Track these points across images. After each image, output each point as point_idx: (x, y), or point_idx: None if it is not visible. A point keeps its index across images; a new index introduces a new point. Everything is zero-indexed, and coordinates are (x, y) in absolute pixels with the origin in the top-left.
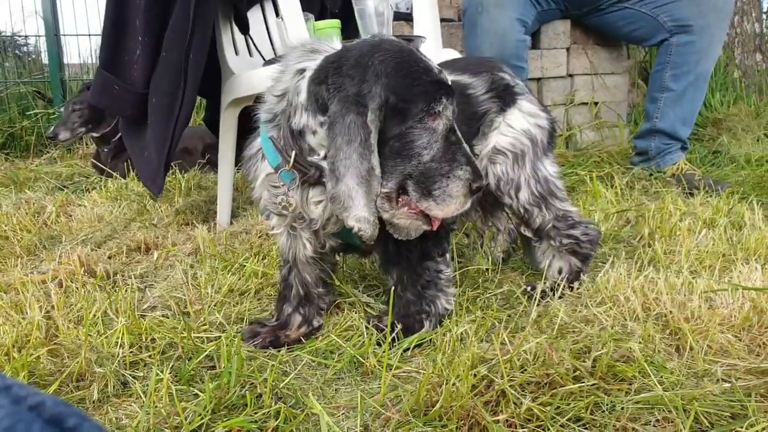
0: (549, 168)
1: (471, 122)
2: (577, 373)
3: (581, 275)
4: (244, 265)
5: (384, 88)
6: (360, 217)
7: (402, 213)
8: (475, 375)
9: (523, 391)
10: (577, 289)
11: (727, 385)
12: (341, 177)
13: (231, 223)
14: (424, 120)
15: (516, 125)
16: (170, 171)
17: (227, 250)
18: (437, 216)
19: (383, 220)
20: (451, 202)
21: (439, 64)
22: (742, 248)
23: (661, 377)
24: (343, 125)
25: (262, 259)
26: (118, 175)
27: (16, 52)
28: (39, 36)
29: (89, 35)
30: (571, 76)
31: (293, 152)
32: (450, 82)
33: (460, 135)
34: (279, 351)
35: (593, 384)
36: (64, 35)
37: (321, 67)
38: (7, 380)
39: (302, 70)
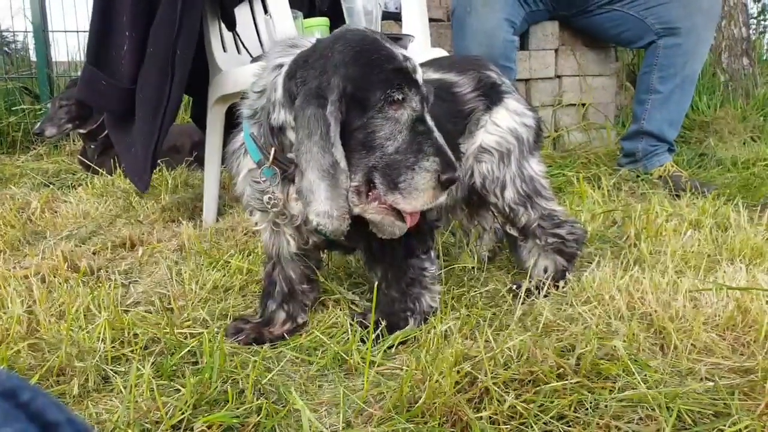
0: (535, 167)
1: (457, 120)
2: (561, 370)
3: (566, 274)
4: (229, 262)
5: (342, 79)
6: (320, 212)
7: (372, 207)
8: (458, 372)
9: (506, 388)
10: (563, 287)
11: (711, 383)
12: (304, 171)
13: (217, 220)
14: (384, 109)
15: (502, 124)
16: (158, 167)
17: (212, 246)
18: (405, 210)
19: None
20: (417, 195)
21: (425, 63)
22: (727, 249)
23: (645, 375)
24: (304, 118)
25: (248, 256)
26: (104, 172)
27: (4, 48)
28: (27, 32)
29: (77, 32)
30: (559, 77)
31: (273, 149)
32: (417, 71)
33: (431, 125)
34: (262, 347)
35: (577, 382)
36: (52, 32)
37: (293, 62)
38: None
39: (280, 66)
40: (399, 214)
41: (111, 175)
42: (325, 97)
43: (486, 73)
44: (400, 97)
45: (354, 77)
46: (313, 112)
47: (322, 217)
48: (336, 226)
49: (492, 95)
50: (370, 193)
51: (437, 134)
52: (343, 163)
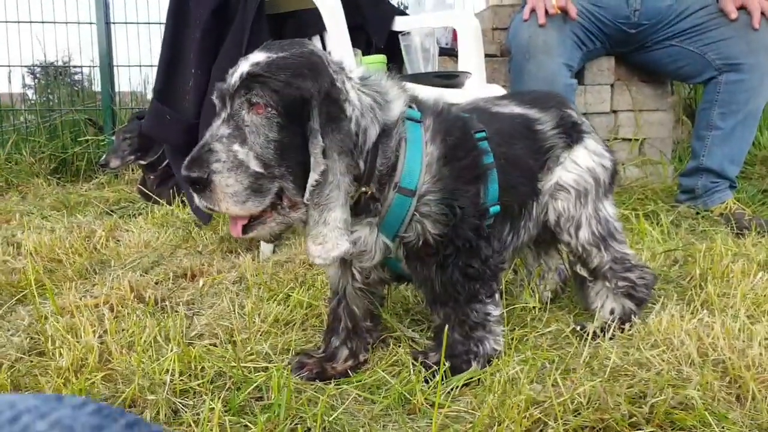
0: (609, 209)
1: (538, 156)
2: (634, 419)
3: (633, 317)
4: (289, 295)
5: None
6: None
7: None
8: (527, 418)
9: None
10: (628, 330)
11: None
12: None
13: (274, 251)
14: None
15: (581, 162)
16: None
17: (272, 278)
18: None
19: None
20: None
21: (507, 96)
22: None
23: (723, 427)
24: None
25: (307, 290)
26: (164, 202)
27: (68, 80)
28: (93, 66)
29: (140, 66)
30: (614, 112)
31: None
32: (236, 71)
33: (215, 121)
34: (327, 384)
35: (651, 431)
36: (117, 66)
37: None
38: (152, 427)
39: None
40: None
41: (170, 205)
42: None
43: (567, 111)
44: (217, 104)
45: None
46: None
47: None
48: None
49: (572, 134)
50: None
51: (211, 129)
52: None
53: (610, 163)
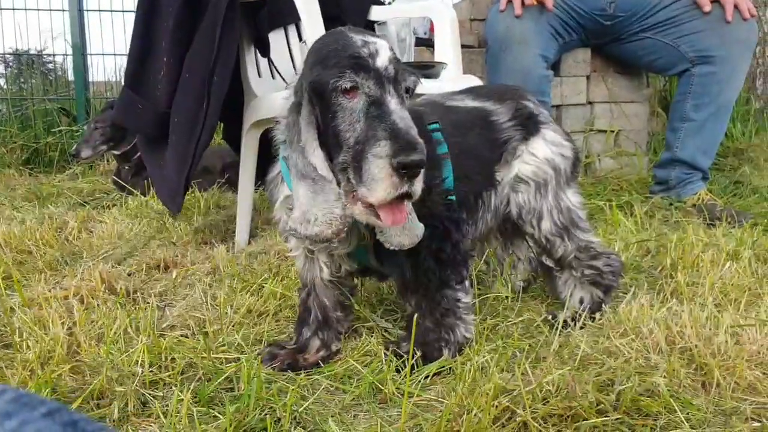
0: (572, 198)
1: (493, 149)
2: (601, 406)
3: (603, 306)
4: (263, 286)
5: (306, 81)
6: (295, 217)
7: (358, 208)
8: (496, 406)
9: (545, 423)
10: (599, 319)
11: (757, 424)
12: (292, 179)
13: (249, 242)
14: (338, 100)
15: (539, 154)
16: (191, 190)
17: (246, 270)
18: (373, 203)
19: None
20: (375, 185)
21: (463, 91)
22: None
23: (688, 414)
24: (286, 127)
25: (281, 281)
26: (138, 193)
27: (42, 69)
28: (66, 55)
29: (114, 55)
30: (590, 103)
31: None
32: (377, 54)
33: (391, 107)
34: (298, 375)
35: (617, 418)
36: (91, 54)
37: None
38: (73, 415)
39: None
40: (376, 212)
41: (145, 196)
42: (300, 103)
43: (523, 102)
44: (349, 85)
45: (314, 75)
46: (290, 120)
47: (296, 222)
48: (316, 232)
49: (529, 125)
50: (354, 194)
51: (397, 115)
52: (320, 166)
53: (571, 152)
